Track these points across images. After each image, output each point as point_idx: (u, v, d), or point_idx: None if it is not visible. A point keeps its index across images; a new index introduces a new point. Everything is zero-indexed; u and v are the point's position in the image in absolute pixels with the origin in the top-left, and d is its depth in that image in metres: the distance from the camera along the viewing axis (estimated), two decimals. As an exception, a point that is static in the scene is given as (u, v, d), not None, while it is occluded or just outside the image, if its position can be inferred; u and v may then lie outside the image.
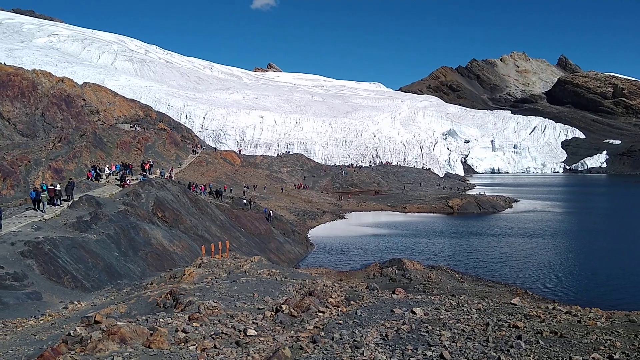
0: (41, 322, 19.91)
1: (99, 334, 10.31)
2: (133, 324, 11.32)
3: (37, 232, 29.33)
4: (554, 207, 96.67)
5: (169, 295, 17.37)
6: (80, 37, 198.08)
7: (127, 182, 46.56)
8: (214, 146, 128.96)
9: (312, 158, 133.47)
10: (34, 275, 25.10)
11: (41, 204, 33.63)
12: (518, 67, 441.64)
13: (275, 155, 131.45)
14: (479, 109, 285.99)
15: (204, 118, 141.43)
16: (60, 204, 35.82)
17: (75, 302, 23.17)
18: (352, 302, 16.37)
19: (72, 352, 9.67)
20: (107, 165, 56.65)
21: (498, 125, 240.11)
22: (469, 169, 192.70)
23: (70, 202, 36.24)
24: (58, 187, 36.76)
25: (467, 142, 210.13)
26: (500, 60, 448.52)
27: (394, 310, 14.82)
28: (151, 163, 62.63)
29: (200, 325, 12.53)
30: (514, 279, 44.91)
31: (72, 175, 51.09)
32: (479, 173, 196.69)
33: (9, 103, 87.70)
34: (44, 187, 34.45)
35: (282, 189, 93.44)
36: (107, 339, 10.06)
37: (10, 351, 15.40)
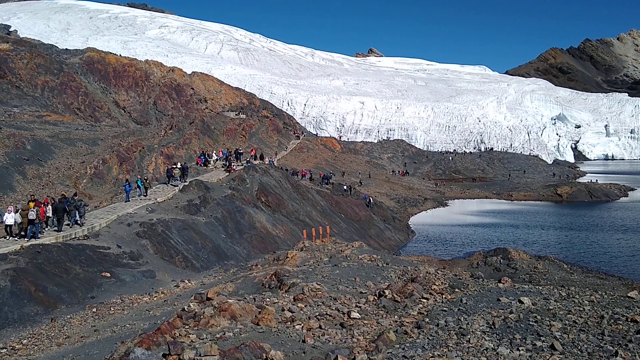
0: (155, 299, 21.12)
1: (211, 310, 10.80)
2: (242, 301, 11.75)
3: (151, 214, 31.09)
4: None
5: (273, 276, 17.86)
6: (189, 28, 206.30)
7: (233, 167, 48.33)
8: (315, 132, 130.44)
9: (413, 144, 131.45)
10: (148, 254, 26.64)
11: (172, 179, 38.83)
12: (638, 45, 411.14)
13: (376, 141, 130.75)
14: (591, 92, 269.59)
15: (305, 105, 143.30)
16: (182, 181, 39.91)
17: (186, 281, 24.37)
18: (456, 290, 16.10)
19: (187, 327, 10.18)
20: (215, 152, 59.08)
21: (613, 109, 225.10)
22: (579, 156, 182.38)
23: (181, 185, 38.27)
24: (179, 165, 41.78)
25: (578, 127, 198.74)
26: (617, 39, 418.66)
27: (500, 299, 14.41)
28: (261, 152, 64.83)
29: (305, 306, 12.79)
30: (630, 272, 42.08)
31: (182, 161, 53.70)
32: (590, 160, 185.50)
33: (124, 92, 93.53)
34: (139, 183, 36.62)
35: (369, 174, 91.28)
36: (218, 315, 10.51)
37: (128, 325, 16.50)
